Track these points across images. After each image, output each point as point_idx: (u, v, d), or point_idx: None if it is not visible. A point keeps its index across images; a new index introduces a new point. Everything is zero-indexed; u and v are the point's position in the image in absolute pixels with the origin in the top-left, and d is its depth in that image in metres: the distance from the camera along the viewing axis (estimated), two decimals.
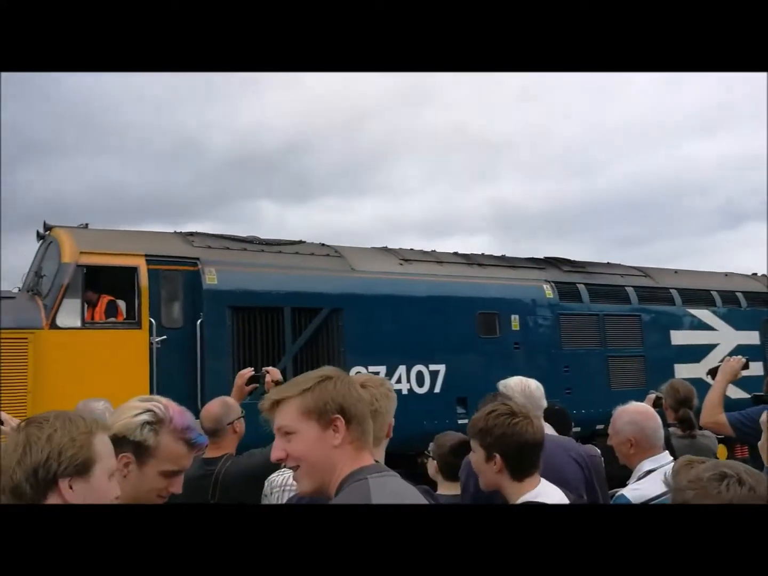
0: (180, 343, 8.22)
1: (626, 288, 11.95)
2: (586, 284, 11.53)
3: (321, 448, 1.87)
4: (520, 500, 2.53)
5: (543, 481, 2.64)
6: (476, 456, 2.65)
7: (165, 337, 8.11)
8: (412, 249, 10.94)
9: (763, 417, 3.13)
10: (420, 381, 9.52)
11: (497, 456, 2.56)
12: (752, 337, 12.58)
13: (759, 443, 3.18)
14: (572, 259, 12.28)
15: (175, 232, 9.25)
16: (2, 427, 3.37)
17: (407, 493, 1.89)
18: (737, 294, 13.19)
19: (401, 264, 10.22)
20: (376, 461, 2.05)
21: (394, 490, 1.85)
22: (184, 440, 2.13)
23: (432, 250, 11.11)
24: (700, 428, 4.66)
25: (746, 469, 1.59)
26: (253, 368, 4.34)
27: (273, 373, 4.16)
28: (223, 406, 3.84)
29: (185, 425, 2.15)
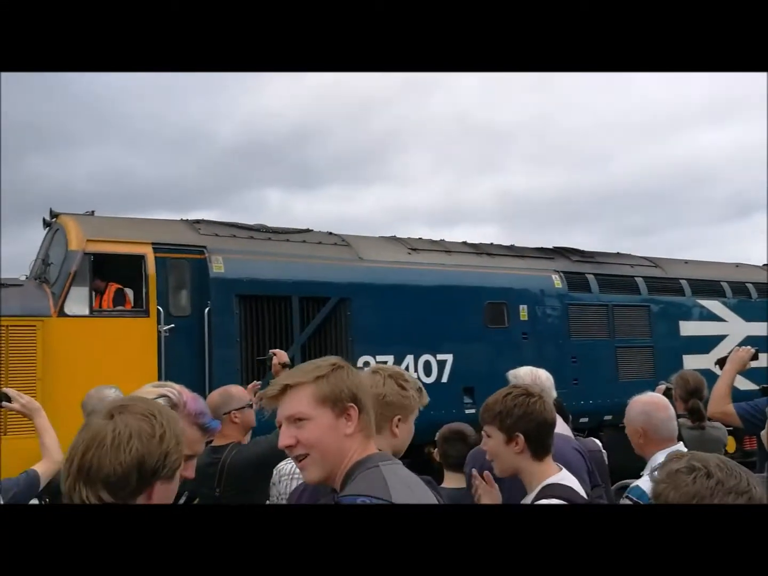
0: (188, 331, 8.22)
1: (635, 278, 11.88)
2: (595, 274, 11.47)
3: (333, 436, 1.86)
4: (544, 483, 2.54)
5: (564, 468, 2.64)
6: (494, 441, 2.63)
7: (173, 325, 8.12)
8: (420, 238, 10.89)
9: None
10: (427, 370, 9.50)
11: (519, 436, 2.56)
12: (762, 329, 12.48)
13: (762, 432, 3.16)
14: (581, 249, 12.21)
15: (181, 220, 9.23)
16: (9, 403, 3.39)
17: (414, 480, 1.90)
18: (748, 285, 13.10)
19: (409, 253, 10.18)
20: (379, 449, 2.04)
21: (404, 477, 1.86)
22: (197, 425, 2.14)
23: (440, 240, 11.07)
24: (709, 419, 4.63)
25: (720, 463, 1.62)
26: (259, 382, 4.26)
27: (280, 355, 4.11)
28: (223, 396, 3.83)
29: (199, 410, 2.17)
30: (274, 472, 3.95)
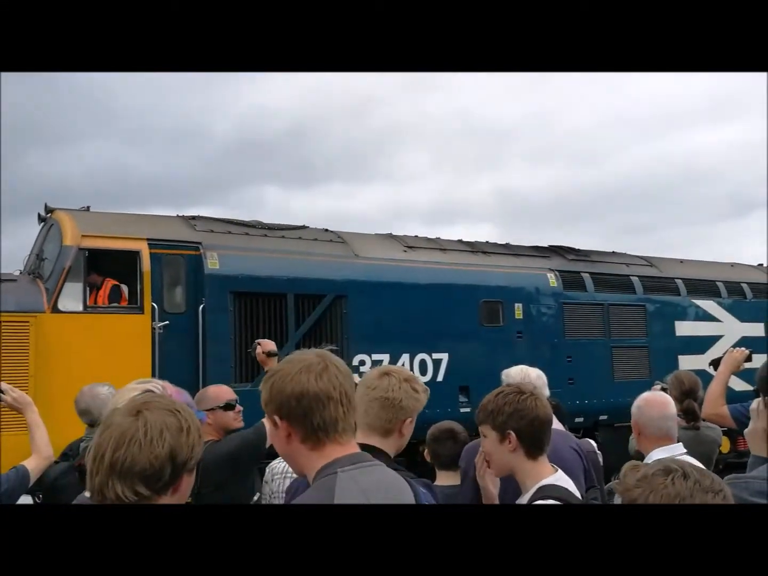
0: (182, 328, 8.20)
1: (631, 277, 11.90)
2: (590, 273, 11.48)
3: (278, 443, 1.89)
4: (539, 484, 2.53)
5: (559, 470, 2.64)
6: (488, 441, 2.64)
7: (167, 322, 8.10)
8: (416, 236, 10.89)
9: (753, 405, 3.10)
10: (423, 369, 9.50)
11: (511, 434, 2.56)
12: (757, 329, 12.53)
13: (746, 431, 3.15)
14: (577, 247, 12.23)
15: (177, 216, 9.21)
16: (3, 395, 3.39)
17: (381, 486, 1.80)
18: (743, 285, 13.13)
19: (405, 251, 10.18)
20: (366, 444, 1.99)
21: (366, 483, 1.76)
22: None
23: (436, 238, 11.07)
24: (704, 420, 4.63)
25: (691, 464, 1.65)
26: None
27: (264, 344, 4.07)
28: (199, 395, 3.82)
29: (184, 402, 2.17)
30: (267, 470, 3.94)
